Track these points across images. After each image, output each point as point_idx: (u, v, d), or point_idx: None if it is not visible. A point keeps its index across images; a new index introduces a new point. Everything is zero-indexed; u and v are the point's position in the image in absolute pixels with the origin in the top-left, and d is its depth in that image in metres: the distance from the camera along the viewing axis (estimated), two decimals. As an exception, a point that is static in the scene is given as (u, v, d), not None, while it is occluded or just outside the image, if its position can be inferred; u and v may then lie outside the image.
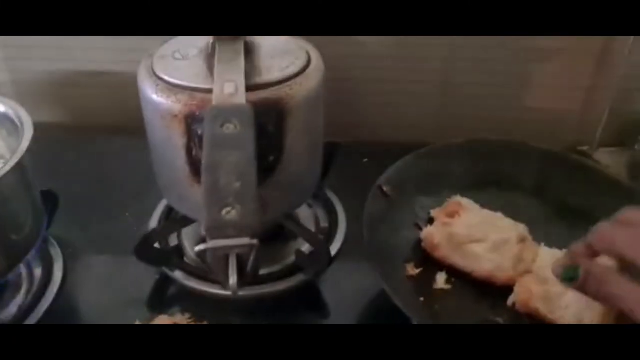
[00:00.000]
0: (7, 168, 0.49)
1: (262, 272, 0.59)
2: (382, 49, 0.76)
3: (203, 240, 0.39)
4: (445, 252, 0.57)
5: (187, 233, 0.64)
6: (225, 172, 0.40)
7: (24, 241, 0.55)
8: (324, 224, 0.67)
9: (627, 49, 0.72)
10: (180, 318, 0.56)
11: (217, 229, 0.38)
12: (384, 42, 0.75)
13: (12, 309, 0.56)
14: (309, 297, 0.60)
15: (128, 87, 0.58)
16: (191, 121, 0.50)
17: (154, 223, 0.66)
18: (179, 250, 0.63)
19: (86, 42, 0.77)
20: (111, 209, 0.68)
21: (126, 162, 0.75)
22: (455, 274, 0.57)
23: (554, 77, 0.77)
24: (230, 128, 0.43)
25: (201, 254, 0.39)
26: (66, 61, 0.79)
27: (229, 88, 0.47)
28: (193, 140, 0.51)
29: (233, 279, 0.39)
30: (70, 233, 0.64)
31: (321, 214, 0.68)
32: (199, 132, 0.50)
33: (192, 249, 0.62)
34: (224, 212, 0.38)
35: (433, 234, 0.58)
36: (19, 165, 0.51)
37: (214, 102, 0.46)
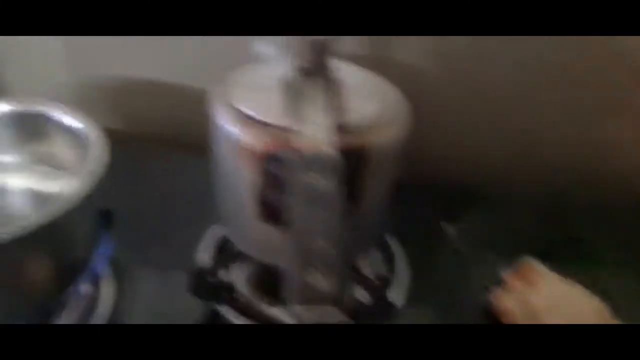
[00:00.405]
0: (78, 196, 0.47)
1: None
2: (456, 89, 0.72)
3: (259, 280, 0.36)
4: (514, 320, 0.54)
5: (238, 268, 0.61)
6: (315, 232, 0.37)
7: (78, 261, 0.53)
8: (382, 269, 0.64)
9: None
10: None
11: (301, 294, 0.35)
12: (457, 81, 0.72)
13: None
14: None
15: (191, 103, 0.56)
16: (269, 160, 0.48)
17: (206, 251, 0.63)
18: (231, 286, 0.60)
19: (152, 50, 0.75)
20: (164, 230, 0.66)
21: (182, 181, 0.73)
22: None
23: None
24: (320, 181, 0.40)
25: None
26: (130, 68, 0.77)
27: (317, 132, 0.44)
28: (267, 181, 0.49)
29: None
30: (121, 252, 0.62)
31: (379, 258, 0.65)
32: (275, 172, 0.48)
33: (243, 286, 0.59)
34: (308, 275, 0.35)
35: (504, 300, 0.54)
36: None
37: (301, 148, 0.43)
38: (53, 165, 0.57)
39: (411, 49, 0.70)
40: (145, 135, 0.80)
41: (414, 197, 0.70)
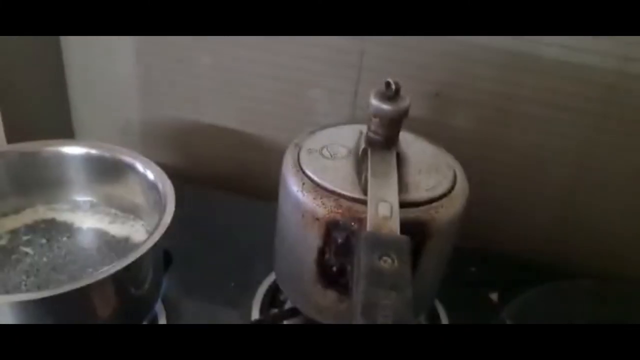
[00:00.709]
0: (149, 245, 0.49)
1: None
2: (509, 155, 0.73)
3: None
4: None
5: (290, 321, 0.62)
6: (383, 316, 0.38)
7: (143, 301, 0.55)
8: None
9: None
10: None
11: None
12: (513, 149, 0.73)
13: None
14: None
15: (253, 151, 0.57)
16: (332, 227, 0.49)
17: (257, 301, 0.64)
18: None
19: (218, 99, 0.77)
20: (218, 274, 0.67)
21: (242, 226, 0.74)
22: None
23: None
24: (387, 262, 0.41)
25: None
26: (195, 113, 0.80)
27: (384, 209, 0.46)
28: (329, 246, 0.50)
29: None
30: (176, 293, 0.64)
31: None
32: (338, 239, 0.49)
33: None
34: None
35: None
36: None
37: (368, 225, 0.45)
38: (122, 209, 0.60)
39: (465, 115, 0.71)
40: (211, 178, 0.83)
41: (465, 262, 0.72)
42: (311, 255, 0.51)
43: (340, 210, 0.49)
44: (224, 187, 0.80)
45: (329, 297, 0.52)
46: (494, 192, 0.75)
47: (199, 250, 0.70)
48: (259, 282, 0.66)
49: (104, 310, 0.51)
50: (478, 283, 0.69)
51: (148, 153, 0.60)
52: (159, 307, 0.62)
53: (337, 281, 0.51)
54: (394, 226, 0.45)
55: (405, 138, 0.55)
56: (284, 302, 0.64)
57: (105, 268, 0.47)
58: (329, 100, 0.74)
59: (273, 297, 0.65)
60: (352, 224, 0.48)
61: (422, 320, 0.65)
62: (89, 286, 0.46)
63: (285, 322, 0.61)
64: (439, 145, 0.57)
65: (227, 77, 0.75)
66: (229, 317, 0.61)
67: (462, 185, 0.53)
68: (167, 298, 0.63)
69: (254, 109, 0.77)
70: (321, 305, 0.54)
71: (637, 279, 0.63)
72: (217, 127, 0.80)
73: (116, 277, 0.47)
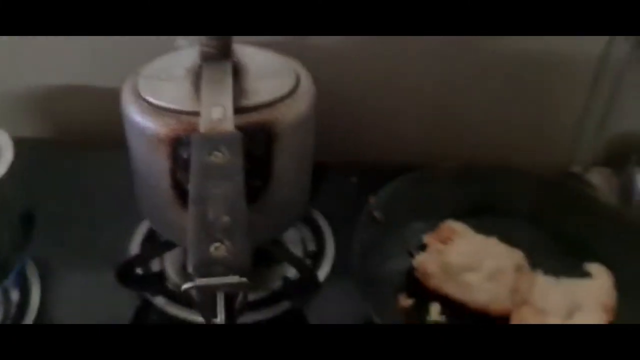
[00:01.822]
0: None
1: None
2: (373, 66, 0.74)
3: (187, 271, 0.37)
4: (439, 282, 0.55)
5: (170, 257, 0.62)
6: (213, 205, 0.38)
7: (3, 265, 0.53)
8: (311, 247, 0.65)
9: (620, 67, 0.71)
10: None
11: (206, 267, 0.36)
12: (374, 60, 0.73)
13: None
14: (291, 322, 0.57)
15: (106, 102, 0.56)
16: (177, 145, 0.48)
17: (135, 245, 0.63)
18: (161, 275, 0.60)
19: (64, 55, 0.74)
20: (91, 229, 0.66)
21: (106, 179, 0.72)
22: (450, 304, 0.55)
23: (546, 96, 0.76)
24: (218, 156, 0.41)
25: (188, 291, 0.37)
26: (45, 75, 0.77)
27: (217, 113, 0.45)
28: (178, 165, 0.49)
29: (221, 318, 0.37)
30: (48, 253, 0.62)
31: (308, 237, 0.66)
32: (185, 156, 0.48)
33: (175, 274, 0.60)
34: (212, 248, 0.36)
35: (426, 262, 0.56)
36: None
37: (201, 128, 0.44)
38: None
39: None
40: (71, 140, 0.80)
41: (342, 177, 0.73)
42: (165, 180, 0.50)
43: (181, 126, 0.48)
44: (87, 147, 0.77)
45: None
46: (365, 107, 0.76)
47: (69, 210, 0.68)
48: (133, 229, 0.65)
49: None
50: (357, 193, 0.70)
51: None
52: (31, 269, 0.60)
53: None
54: (228, 127, 0.44)
55: (248, 51, 0.54)
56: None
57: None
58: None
59: (149, 239, 0.64)
60: (193, 136, 0.47)
61: (304, 230, 0.65)
62: None
63: (160, 255, 0.60)
64: (287, 56, 0.57)
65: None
66: (106, 263, 0.59)
67: (306, 85, 0.53)
68: (39, 258, 0.61)
69: (102, 62, 0.74)
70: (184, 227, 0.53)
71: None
72: (65, 86, 0.77)
73: None
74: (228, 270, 0.36)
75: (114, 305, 0.58)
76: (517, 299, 0.53)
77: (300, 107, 0.51)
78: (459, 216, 0.61)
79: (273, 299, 0.58)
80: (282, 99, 0.50)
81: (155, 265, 0.61)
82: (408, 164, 0.65)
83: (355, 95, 0.75)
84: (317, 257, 0.63)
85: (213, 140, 0.42)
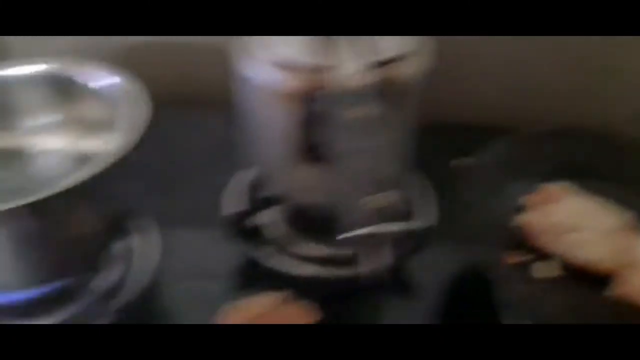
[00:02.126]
0: (116, 156, 0.49)
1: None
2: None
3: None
4: (544, 241, 0.56)
5: (273, 212, 0.63)
6: (362, 159, 0.39)
7: (119, 217, 0.56)
8: (412, 204, 0.65)
9: None
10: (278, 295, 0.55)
11: (374, 215, 0.37)
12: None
13: (114, 275, 0.56)
14: (397, 278, 0.59)
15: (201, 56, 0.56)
16: (305, 100, 0.49)
17: (236, 198, 0.65)
18: (265, 229, 0.62)
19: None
20: (196, 184, 0.68)
21: (209, 136, 0.75)
22: (555, 262, 0.56)
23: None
24: (362, 112, 0.42)
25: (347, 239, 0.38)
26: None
27: (353, 68, 0.46)
28: (304, 121, 0.50)
29: (368, 265, 0.39)
30: (160, 207, 0.64)
31: (408, 194, 0.67)
32: (313, 111, 0.49)
33: (278, 229, 0.62)
34: (366, 199, 0.37)
35: (532, 221, 0.57)
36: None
37: (339, 84, 0.45)
38: (86, 127, 0.58)
39: None
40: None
41: (435, 137, 0.73)
42: (286, 132, 0.51)
43: (310, 80, 0.49)
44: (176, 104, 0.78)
45: (308, 172, 0.53)
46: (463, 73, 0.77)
47: (173, 164, 0.70)
48: (229, 182, 0.66)
49: (76, 225, 0.50)
50: (454, 154, 0.71)
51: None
52: (149, 222, 0.62)
53: (315, 155, 0.52)
54: (365, 83, 0.45)
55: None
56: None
57: (72, 178, 0.46)
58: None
59: (250, 193, 0.65)
60: (323, 92, 0.48)
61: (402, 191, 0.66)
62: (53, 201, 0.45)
63: (262, 210, 0.62)
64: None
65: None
66: (208, 219, 0.62)
67: (429, 44, 0.54)
68: (147, 212, 0.63)
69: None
70: (301, 183, 0.54)
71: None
72: (164, 42, 0.78)
73: (82, 189, 0.46)
74: (383, 219, 0.37)
75: (221, 258, 0.60)
76: (624, 259, 0.54)
77: (425, 64, 0.52)
78: (558, 178, 0.61)
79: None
80: (409, 55, 0.51)
81: (259, 220, 0.62)
82: (500, 129, 0.66)
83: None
84: (417, 216, 0.64)
85: (356, 96, 0.43)
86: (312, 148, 0.51)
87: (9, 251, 0.47)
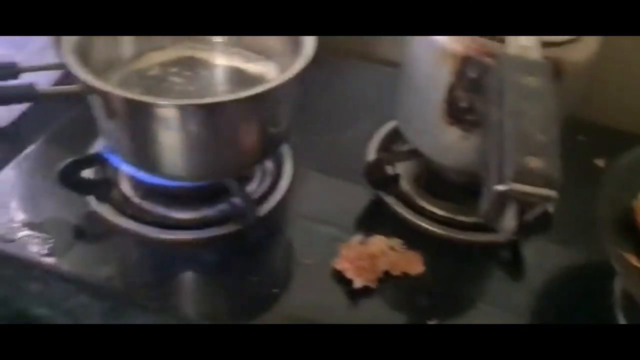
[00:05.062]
0: (284, 78, 0.54)
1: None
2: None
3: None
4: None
5: (406, 165, 0.66)
6: (529, 122, 0.41)
7: (279, 136, 0.60)
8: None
9: None
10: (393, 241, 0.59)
11: (522, 175, 0.39)
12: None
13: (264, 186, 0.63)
14: (515, 255, 0.61)
15: None
16: (467, 62, 0.52)
17: (379, 146, 0.69)
18: (396, 178, 0.65)
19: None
20: (338, 129, 0.72)
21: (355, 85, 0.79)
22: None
23: None
24: (532, 81, 0.44)
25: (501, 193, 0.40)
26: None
27: (525, 40, 0.48)
28: (461, 82, 0.53)
29: (511, 224, 0.41)
30: (300, 143, 0.68)
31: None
32: (472, 75, 0.52)
33: (408, 182, 0.65)
34: (528, 159, 0.40)
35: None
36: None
37: (510, 50, 0.47)
38: (255, 50, 0.64)
39: None
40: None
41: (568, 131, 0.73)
42: (440, 93, 0.54)
43: (476, 46, 0.51)
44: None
45: (453, 134, 0.55)
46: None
47: (323, 106, 0.75)
48: (373, 132, 0.70)
49: (247, 130, 0.56)
50: (586, 151, 0.71)
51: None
52: (286, 151, 0.67)
53: (464, 118, 0.54)
54: (535, 54, 0.47)
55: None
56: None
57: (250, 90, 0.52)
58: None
59: (386, 143, 0.69)
60: (487, 59, 0.50)
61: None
62: (228, 102, 0.52)
63: (399, 164, 0.65)
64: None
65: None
66: (348, 158, 0.67)
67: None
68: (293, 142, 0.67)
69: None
70: (443, 143, 0.57)
71: None
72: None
73: (256, 99, 0.52)
74: (541, 182, 0.39)
75: (351, 198, 0.64)
76: None
77: (588, 52, 0.53)
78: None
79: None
80: (571, 41, 0.52)
81: (395, 170, 0.66)
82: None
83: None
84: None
85: (527, 64, 0.45)
86: (459, 109, 0.54)
87: (183, 145, 0.53)
